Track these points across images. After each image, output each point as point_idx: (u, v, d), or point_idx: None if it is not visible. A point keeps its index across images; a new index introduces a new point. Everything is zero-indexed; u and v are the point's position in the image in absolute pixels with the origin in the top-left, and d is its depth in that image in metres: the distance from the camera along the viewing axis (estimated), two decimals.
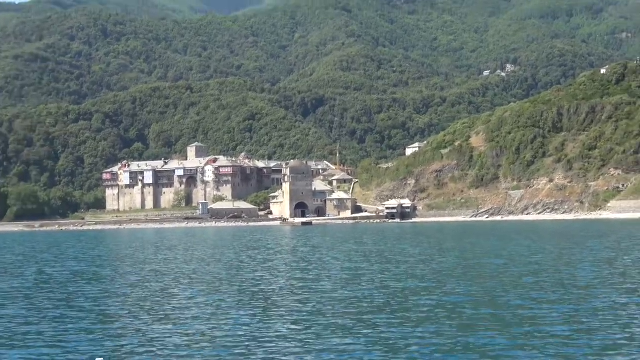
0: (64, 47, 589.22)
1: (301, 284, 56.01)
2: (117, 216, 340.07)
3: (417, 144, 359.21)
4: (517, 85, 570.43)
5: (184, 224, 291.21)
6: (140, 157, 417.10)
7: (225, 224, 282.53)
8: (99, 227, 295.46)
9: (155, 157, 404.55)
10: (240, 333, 36.41)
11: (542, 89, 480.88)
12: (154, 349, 33.57)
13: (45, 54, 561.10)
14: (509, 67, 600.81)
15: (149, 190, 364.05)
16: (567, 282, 52.91)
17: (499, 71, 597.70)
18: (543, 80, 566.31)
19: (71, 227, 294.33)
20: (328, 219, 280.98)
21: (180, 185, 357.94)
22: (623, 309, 40.71)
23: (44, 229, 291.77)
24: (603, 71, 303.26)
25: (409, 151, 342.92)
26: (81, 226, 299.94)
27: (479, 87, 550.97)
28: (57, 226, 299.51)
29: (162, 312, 43.40)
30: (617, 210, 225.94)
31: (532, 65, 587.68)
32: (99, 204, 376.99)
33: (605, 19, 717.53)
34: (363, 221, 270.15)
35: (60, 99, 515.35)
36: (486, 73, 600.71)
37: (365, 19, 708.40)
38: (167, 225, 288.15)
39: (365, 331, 36.19)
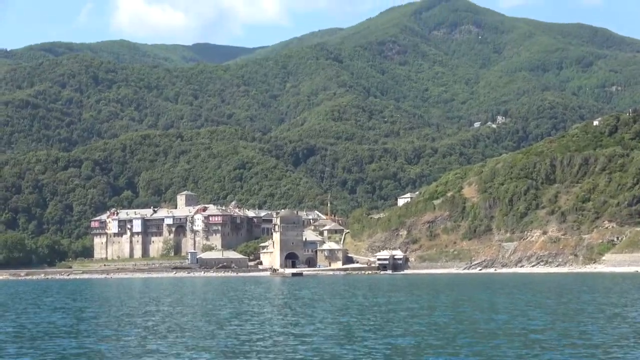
0: (55, 94, 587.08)
1: (292, 341, 52.47)
2: (104, 265, 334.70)
3: (408, 195, 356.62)
4: (508, 137, 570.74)
5: (172, 274, 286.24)
6: (130, 205, 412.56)
7: (214, 274, 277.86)
8: (85, 276, 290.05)
9: (145, 206, 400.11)
10: None
11: (532, 141, 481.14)
12: None
13: (35, 101, 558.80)
14: (499, 118, 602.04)
15: (138, 239, 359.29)
16: (577, 341, 49.58)
17: (489, 123, 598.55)
18: (534, 132, 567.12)
19: (57, 276, 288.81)
20: (319, 270, 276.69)
21: (169, 234, 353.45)
22: None
23: (30, 277, 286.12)
24: (596, 123, 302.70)
25: (401, 201, 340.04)
26: (67, 275, 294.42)
27: (470, 139, 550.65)
28: (43, 275, 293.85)
29: None
30: (612, 264, 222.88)
31: (522, 117, 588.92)
32: (87, 253, 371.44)
33: (595, 72, 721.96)
34: (354, 272, 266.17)
35: (50, 146, 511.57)
36: (477, 124, 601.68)
37: (356, 70, 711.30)
38: (154, 275, 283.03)
39: None
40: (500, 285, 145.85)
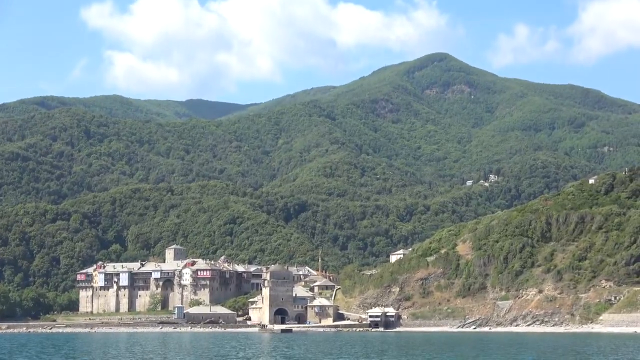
0: (46, 147, 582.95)
1: None
2: (89, 319, 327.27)
3: (401, 251, 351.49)
4: (501, 195, 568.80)
5: (157, 329, 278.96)
6: (118, 259, 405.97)
7: (201, 330, 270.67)
8: (69, 329, 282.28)
9: (133, 259, 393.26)
10: None
11: (525, 200, 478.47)
12: None
13: (26, 153, 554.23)
14: (492, 177, 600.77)
15: (124, 293, 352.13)
16: None
17: (482, 181, 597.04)
18: (526, 191, 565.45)
19: (40, 330, 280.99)
20: (309, 327, 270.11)
21: (157, 288, 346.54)
22: None
23: (12, 330, 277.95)
24: (591, 181, 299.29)
25: (393, 258, 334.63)
26: (50, 329, 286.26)
27: (463, 197, 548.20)
28: (25, 328, 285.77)
29: None
30: (610, 324, 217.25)
31: (515, 176, 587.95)
32: (73, 306, 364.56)
33: (587, 132, 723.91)
34: (345, 330, 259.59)
35: (40, 198, 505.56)
36: (469, 183, 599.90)
37: (349, 127, 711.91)
38: (140, 330, 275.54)
39: None
40: (499, 346, 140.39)
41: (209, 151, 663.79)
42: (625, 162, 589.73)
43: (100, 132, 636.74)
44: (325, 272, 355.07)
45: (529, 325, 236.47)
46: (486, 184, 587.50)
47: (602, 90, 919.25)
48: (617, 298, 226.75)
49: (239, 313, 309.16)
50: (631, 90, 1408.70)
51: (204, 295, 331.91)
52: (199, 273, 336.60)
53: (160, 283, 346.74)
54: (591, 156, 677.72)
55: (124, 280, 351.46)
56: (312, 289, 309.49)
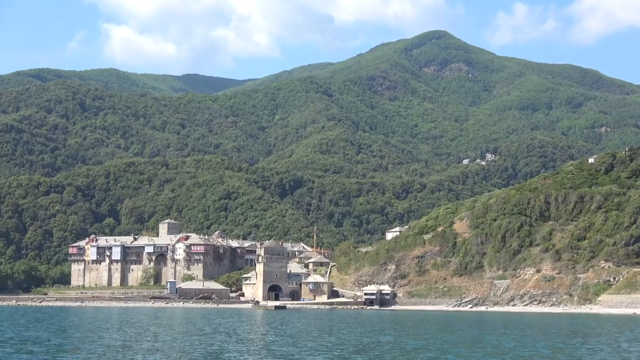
0: (40, 119, 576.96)
1: None
2: (81, 293, 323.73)
3: (397, 228, 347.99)
4: (497, 174, 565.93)
5: (149, 304, 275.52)
6: (112, 233, 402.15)
7: (194, 305, 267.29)
8: (59, 303, 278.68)
9: (127, 233, 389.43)
10: None
11: (522, 179, 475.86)
12: None
13: (20, 125, 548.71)
14: (488, 156, 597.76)
15: (117, 267, 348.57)
16: None
17: (478, 160, 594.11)
18: (523, 170, 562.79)
19: (29, 303, 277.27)
20: (303, 303, 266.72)
21: (150, 263, 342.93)
22: None
23: (0, 303, 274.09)
24: (591, 160, 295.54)
25: (390, 235, 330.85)
26: (40, 302, 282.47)
27: (459, 175, 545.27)
28: (14, 301, 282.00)
29: None
30: (609, 305, 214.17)
31: (512, 155, 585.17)
32: (65, 280, 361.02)
33: (585, 112, 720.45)
34: (340, 307, 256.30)
35: (33, 171, 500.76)
36: (466, 161, 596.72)
37: (345, 104, 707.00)
38: (131, 304, 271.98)
39: None
40: (500, 325, 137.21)
41: (205, 126, 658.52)
42: (622, 142, 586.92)
43: (95, 105, 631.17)
44: (320, 249, 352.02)
45: (526, 305, 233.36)
46: (483, 163, 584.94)
47: (600, 70, 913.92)
48: (616, 279, 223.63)
49: (232, 289, 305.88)
50: (629, 71, 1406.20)
51: (197, 270, 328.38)
52: (192, 248, 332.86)
53: (153, 257, 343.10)
54: (588, 136, 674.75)
55: (116, 254, 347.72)
56: (306, 266, 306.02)
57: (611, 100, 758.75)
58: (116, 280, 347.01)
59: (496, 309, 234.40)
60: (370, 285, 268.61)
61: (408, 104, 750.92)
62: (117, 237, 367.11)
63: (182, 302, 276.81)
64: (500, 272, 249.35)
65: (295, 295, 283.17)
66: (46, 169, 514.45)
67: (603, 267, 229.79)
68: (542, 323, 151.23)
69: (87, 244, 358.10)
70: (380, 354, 79.01)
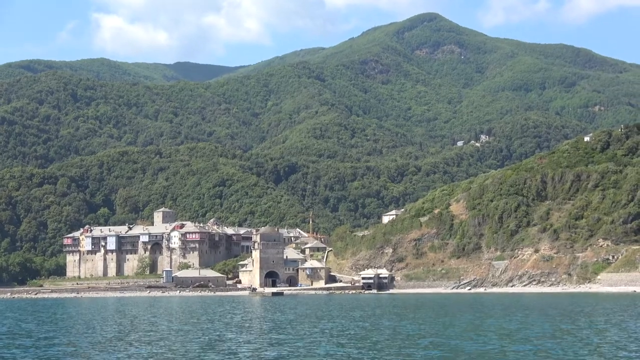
0: (32, 111, 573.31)
1: None
2: (76, 284, 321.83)
3: (393, 212, 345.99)
4: (492, 155, 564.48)
5: (145, 293, 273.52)
6: (106, 223, 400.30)
7: (190, 294, 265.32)
8: (54, 295, 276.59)
9: (122, 223, 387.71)
10: None
11: (516, 160, 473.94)
12: None
13: (12, 117, 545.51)
14: (483, 137, 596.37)
15: (112, 257, 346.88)
16: None
17: (473, 141, 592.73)
18: (517, 151, 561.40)
19: (24, 295, 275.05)
20: (300, 289, 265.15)
21: (145, 252, 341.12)
22: None
23: None
24: (587, 139, 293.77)
25: (386, 219, 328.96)
26: (35, 294, 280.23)
27: (454, 157, 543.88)
28: (9, 294, 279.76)
29: None
30: (608, 283, 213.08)
31: (506, 136, 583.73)
32: (60, 271, 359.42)
33: (578, 92, 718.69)
34: (337, 292, 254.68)
35: (26, 162, 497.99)
36: (460, 143, 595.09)
37: (338, 88, 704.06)
38: (128, 294, 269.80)
39: None
40: (502, 307, 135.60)
41: (198, 114, 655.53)
42: (616, 121, 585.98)
43: (87, 95, 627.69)
44: (317, 234, 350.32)
45: (525, 285, 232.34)
46: (477, 144, 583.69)
47: (592, 49, 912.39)
48: (615, 257, 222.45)
49: (229, 276, 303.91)
50: (622, 49, 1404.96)
51: (193, 258, 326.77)
52: (187, 236, 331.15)
53: (149, 246, 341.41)
54: (582, 115, 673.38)
55: (111, 244, 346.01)
56: (303, 251, 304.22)
57: (604, 79, 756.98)
58: (112, 270, 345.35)
59: (495, 290, 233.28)
60: (368, 269, 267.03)
61: (401, 87, 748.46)
62: (111, 227, 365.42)
63: (178, 291, 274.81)
64: (498, 253, 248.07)
65: (292, 281, 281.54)
66: (39, 161, 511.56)
67: (601, 246, 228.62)
68: (542, 303, 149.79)
69: (81, 234, 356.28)
70: (390, 338, 77.44)
